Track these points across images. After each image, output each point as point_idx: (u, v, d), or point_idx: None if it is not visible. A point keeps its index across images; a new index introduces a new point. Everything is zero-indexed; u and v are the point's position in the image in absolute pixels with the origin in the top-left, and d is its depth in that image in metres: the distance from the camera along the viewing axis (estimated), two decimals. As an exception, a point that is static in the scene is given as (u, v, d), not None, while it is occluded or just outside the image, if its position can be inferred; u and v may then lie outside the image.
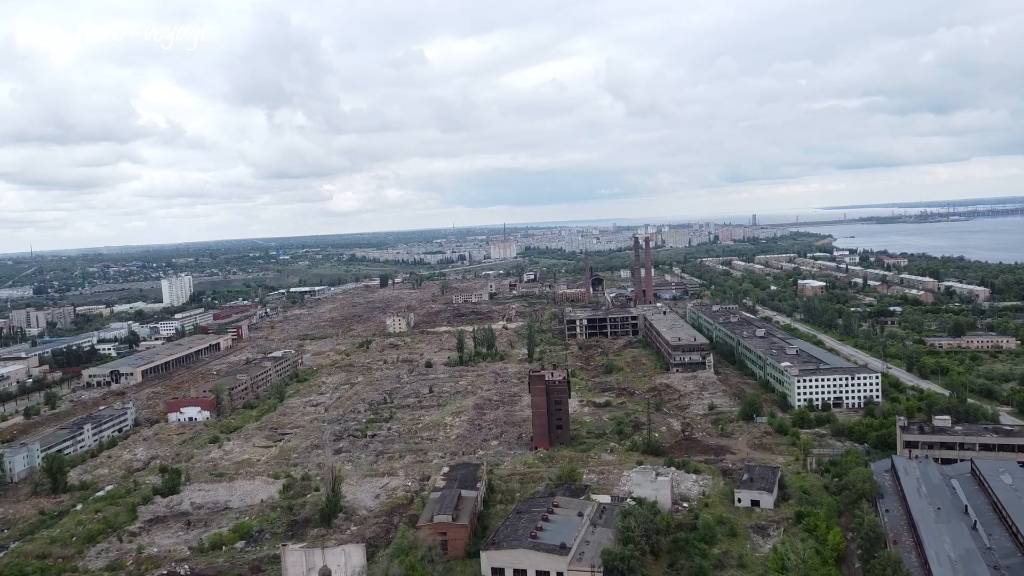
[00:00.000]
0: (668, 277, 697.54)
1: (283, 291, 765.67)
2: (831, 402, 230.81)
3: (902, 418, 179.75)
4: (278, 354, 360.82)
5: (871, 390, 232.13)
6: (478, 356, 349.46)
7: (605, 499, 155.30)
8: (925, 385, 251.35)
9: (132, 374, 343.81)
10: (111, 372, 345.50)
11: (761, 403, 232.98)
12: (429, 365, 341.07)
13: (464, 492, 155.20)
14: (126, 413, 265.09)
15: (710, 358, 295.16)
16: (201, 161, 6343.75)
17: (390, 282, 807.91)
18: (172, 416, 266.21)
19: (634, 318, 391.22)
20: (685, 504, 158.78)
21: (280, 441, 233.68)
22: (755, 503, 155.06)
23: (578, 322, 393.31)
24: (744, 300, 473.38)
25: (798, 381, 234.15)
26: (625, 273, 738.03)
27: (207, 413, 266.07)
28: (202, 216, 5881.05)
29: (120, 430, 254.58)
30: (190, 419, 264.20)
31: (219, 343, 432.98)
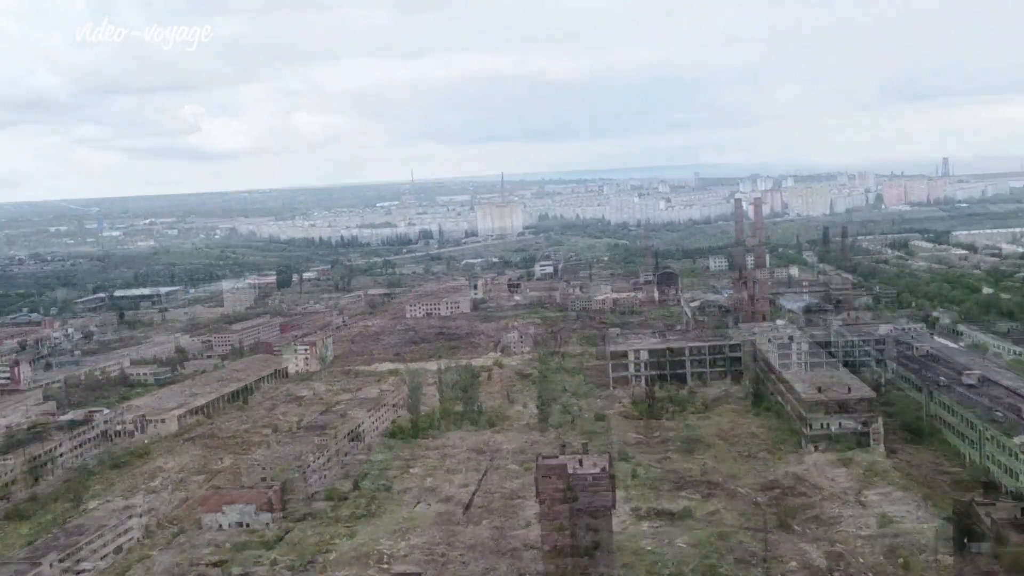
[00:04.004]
0: (795, 271, 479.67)
1: (101, 295, 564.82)
2: None
3: None
4: (79, 415, 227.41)
5: None
6: (447, 419, 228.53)
7: None
8: None
9: None
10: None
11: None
12: (357, 437, 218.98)
13: None
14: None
15: (878, 425, 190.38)
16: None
17: (296, 278, 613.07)
18: None
19: (735, 348, 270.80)
20: None
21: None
22: None
23: (632, 355, 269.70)
24: (937, 314, 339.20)
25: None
26: (717, 263, 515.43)
27: None
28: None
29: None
30: None
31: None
